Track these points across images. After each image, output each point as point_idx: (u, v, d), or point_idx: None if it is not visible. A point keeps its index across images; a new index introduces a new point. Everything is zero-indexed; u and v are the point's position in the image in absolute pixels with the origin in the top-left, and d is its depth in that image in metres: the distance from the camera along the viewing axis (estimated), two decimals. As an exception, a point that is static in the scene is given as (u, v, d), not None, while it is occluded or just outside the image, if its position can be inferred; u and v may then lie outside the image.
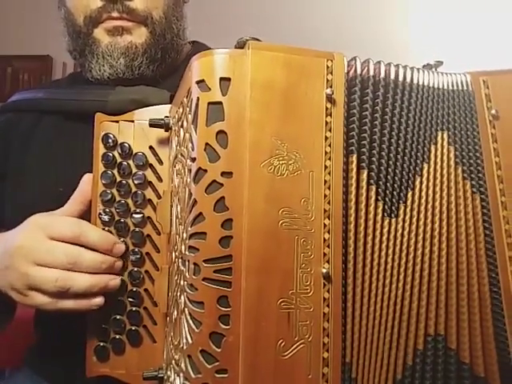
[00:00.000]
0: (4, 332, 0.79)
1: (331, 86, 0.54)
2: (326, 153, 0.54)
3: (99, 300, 0.63)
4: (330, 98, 0.54)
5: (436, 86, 0.62)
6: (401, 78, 0.61)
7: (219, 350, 0.50)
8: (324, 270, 0.52)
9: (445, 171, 0.60)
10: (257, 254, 0.51)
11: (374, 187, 0.57)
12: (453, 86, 0.63)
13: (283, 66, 0.53)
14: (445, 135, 0.61)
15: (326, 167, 0.53)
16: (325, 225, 0.53)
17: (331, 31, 2.60)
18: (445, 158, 0.60)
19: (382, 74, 0.60)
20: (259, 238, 0.51)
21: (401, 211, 0.57)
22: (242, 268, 0.51)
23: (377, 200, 0.57)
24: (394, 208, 0.57)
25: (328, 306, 0.53)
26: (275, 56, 0.53)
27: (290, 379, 0.51)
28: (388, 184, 0.57)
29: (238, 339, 0.50)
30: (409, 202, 0.58)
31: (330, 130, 0.54)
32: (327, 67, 0.54)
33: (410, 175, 0.59)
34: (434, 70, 0.63)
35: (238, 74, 0.52)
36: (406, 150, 0.59)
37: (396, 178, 0.58)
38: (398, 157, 0.58)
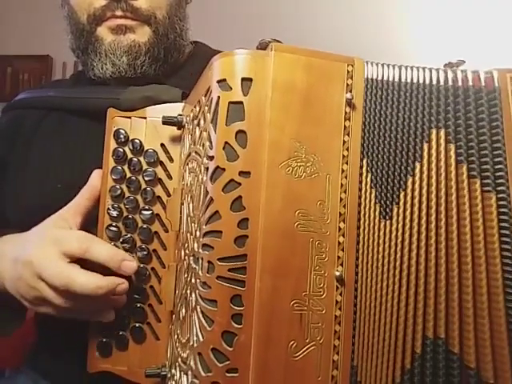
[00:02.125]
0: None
1: (351, 91, 0.55)
2: (343, 157, 0.54)
3: (111, 315, 0.65)
4: (349, 103, 0.54)
5: (428, 82, 0.60)
6: (391, 78, 0.60)
7: (231, 349, 0.50)
8: (337, 273, 0.53)
9: (442, 170, 0.58)
10: (272, 255, 0.51)
11: (374, 190, 0.57)
12: (454, 81, 0.60)
13: (304, 68, 0.53)
14: (441, 133, 0.58)
15: (342, 171, 0.54)
16: (340, 228, 0.53)
17: (331, 31, 2.61)
18: (441, 156, 0.58)
19: (386, 77, 0.59)
20: (274, 238, 0.51)
21: (394, 212, 0.57)
22: (256, 268, 0.51)
23: (375, 203, 0.57)
24: (388, 210, 0.57)
25: (340, 308, 0.53)
26: (297, 58, 0.53)
27: (300, 380, 0.51)
28: (383, 186, 0.57)
29: (249, 339, 0.50)
30: (401, 203, 0.57)
31: (348, 135, 0.54)
32: (348, 72, 0.55)
33: (402, 175, 0.58)
34: (455, 68, 0.61)
35: (259, 75, 0.52)
36: (398, 151, 0.58)
37: (389, 180, 0.58)
38: (390, 158, 0.58)
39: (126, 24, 0.79)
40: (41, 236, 0.64)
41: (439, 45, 2.59)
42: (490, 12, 2.59)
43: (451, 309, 0.57)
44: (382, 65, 0.60)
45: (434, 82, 0.60)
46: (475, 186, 0.58)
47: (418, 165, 0.58)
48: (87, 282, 0.59)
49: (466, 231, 0.57)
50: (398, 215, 0.57)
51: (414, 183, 0.57)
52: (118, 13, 0.78)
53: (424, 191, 0.57)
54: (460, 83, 0.60)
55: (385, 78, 0.59)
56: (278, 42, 0.54)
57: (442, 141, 0.58)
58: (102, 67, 0.80)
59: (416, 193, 0.57)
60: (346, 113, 0.55)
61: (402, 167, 0.58)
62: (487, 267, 0.57)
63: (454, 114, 0.59)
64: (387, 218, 0.57)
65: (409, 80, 0.60)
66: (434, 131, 0.58)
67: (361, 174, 0.56)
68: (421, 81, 0.60)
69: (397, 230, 0.57)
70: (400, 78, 0.60)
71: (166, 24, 0.82)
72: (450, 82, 0.60)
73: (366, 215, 0.56)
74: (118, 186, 0.67)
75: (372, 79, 0.58)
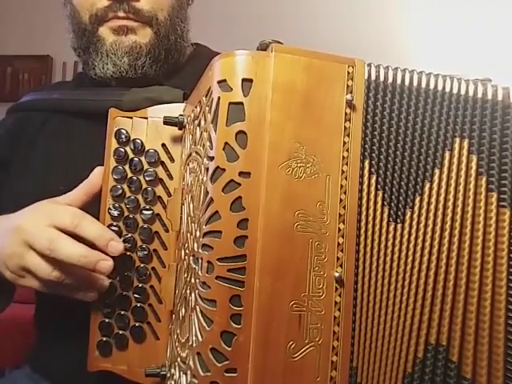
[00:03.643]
0: (3, 322, 0.79)
1: (351, 92, 0.55)
2: (343, 158, 0.54)
3: (92, 295, 0.65)
4: (349, 104, 0.54)
5: (456, 92, 0.59)
6: (407, 83, 0.59)
7: (229, 349, 0.51)
8: (337, 274, 0.53)
9: (461, 179, 0.57)
10: (271, 255, 0.51)
11: (380, 192, 0.56)
12: (484, 94, 0.60)
13: (305, 69, 0.53)
14: (464, 143, 0.58)
15: (342, 172, 0.54)
16: (339, 229, 0.53)
17: (332, 32, 2.62)
18: (462, 166, 0.58)
19: (398, 80, 0.59)
20: (274, 239, 0.51)
21: (407, 216, 0.57)
22: (255, 268, 0.51)
23: (383, 205, 0.56)
24: (399, 213, 0.57)
25: (339, 309, 0.53)
26: (297, 59, 0.53)
27: (299, 381, 0.51)
28: (394, 189, 0.57)
29: (248, 339, 0.51)
30: (416, 208, 0.57)
31: (348, 136, 0.54)
32: (348, 73, 0.55)
33: (419, 180, 0.57)
34: (478, 83, 0.60)
35: (260, 76, 0.52)
36: (414, 155, 0.58)
37: (402, 183, 0.57)
38: (405, 161, 0.57)
39: (128, 25, 0.80)
40: (34, 209, 0.66)
41: (439, 45, 2.59)
42: (490, 12, 2.59)
43: (455, 318, 0.57)
44: (392, 67, 0.59)
45: (463, 92, 0.60)
46: (492, 200, 0.57)
47: (437, 171, 0.57)
48: (72, 247, 0.61)
49: (478, 242, 0.57)
50: (411, 219, 0.57)
51: (431, 189, 0.57)
52: (120, 14, 0.79)
53: (441, 198, 0.57)
54: (489, 97, 0.60)
55: (397, 82, 0.59)
56: (279, 42, 0.54)
57: (465, 151, 0.58)
58: (103, 67, 0.81)
59: (433, 199, 0.57)
60: (346, 114, 0.54)
61: (420, 172, 0.57)
62: (494, 282, 0.57)
63: (480, 126, 0.59)
64: (398, 221, 0.57)
65: (432, 86, 0.59)
66: (457, 140, 0.58)
67: (362, 176, 0.56)
68: (447, 89, 0.59)
69: (409, 233, 0.57)
70: (420, 84, 0.59)
71: (167, 25, 0.83)
72: (479, 95, 0.60)
73: (370, 217, 0.56)
74: (119, 186, 0.68)
75: (375, 81, 0.58)
